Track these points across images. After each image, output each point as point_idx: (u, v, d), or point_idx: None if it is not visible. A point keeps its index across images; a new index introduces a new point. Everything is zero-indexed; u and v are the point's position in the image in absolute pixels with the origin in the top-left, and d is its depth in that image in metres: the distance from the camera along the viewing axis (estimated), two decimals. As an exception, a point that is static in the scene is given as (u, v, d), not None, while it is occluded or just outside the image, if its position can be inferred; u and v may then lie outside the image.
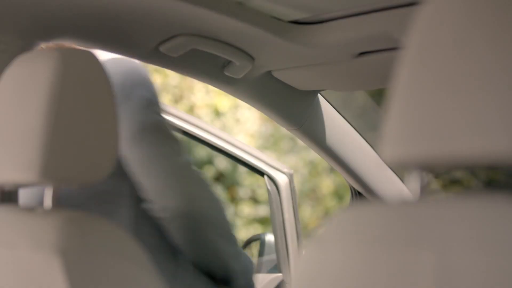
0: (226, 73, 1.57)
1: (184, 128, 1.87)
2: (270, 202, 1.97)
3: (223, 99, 4.85)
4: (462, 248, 0.62)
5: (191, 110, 4.59)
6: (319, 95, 1.84)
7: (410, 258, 0.65)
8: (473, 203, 0.64)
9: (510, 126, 0.62)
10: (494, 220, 0.62)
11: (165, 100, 4.13)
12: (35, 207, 1.06)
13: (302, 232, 1.99)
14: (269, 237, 2.03)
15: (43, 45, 1.36)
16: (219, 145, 1.95)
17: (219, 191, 4.64)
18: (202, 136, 1.91)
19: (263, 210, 4.81)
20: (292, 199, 1.98)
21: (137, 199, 1.30)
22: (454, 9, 0.68)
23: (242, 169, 4.60)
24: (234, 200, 4.91)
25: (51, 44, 1.38)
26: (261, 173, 1.98)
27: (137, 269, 1.00)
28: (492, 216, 0.62)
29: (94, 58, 1.05)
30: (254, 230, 4.80)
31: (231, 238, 1.38)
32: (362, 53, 1.51)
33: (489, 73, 0.63)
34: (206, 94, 4.84)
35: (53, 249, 0.94)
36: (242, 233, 4.76)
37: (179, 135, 1.37)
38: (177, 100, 4.46)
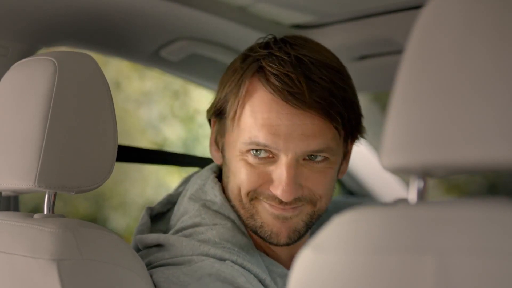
0: (227, 77, 1.57)
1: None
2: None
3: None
4: (462, 253, 0.62)
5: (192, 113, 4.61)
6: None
7: (410, 263, 0.65)
8: (473, 208, 0.64)
9: (509, 133, 0.61)
10: (494, 225, 0.62)
11: (165, 101, 4.16)
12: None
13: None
14: None
15: (43, 50, 1.36)
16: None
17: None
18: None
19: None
20: None
21: None
22: (454, 14, 0.68)
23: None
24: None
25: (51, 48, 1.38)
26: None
27: (133, 277, 1.00)
28: (492, 221, 0.62)
29: (91, 61, 1.05)
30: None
31: None
32: (363, 57, 1.51)
33: (489, 80, 0.63)
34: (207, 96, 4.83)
35: (49, 256, 0.94)
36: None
37: None
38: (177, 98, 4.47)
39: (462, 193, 3.23)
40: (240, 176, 1.13)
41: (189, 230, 1.14)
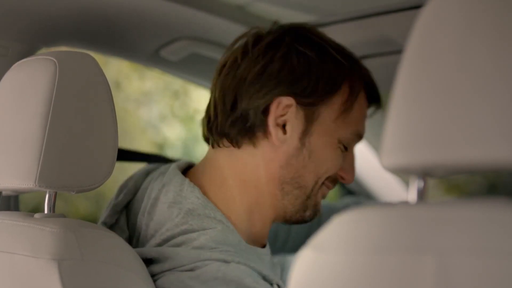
0: (227, 77, 1.57)
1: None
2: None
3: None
4: (462, 252, 0.62)
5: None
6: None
7: (411, 263, 0.65)
8: (474, 208, 0.64)
9: (509, 133, 0.61)
10: (494, 225, 0.62)
11: (164, 101, 4.16)
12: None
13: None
14: None
15: (43, 50, 1.36)
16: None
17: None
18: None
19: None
20: None
21: None
22: (454, 14, 0.68)
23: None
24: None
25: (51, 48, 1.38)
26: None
27: (134, 278, 1.00)
28: (492, 221, 0.62)
29: (92, 61, 1.05)
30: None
31: None
32: (363, 57, 1.51)
33: (489, 80, 0.63)
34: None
35: (50, 256, 0.94)
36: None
37: None
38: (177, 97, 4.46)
39: (462, 193, 3.23)
40: (332, 162, 1.20)
41: (180, 238, 1.11)
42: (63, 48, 1.38)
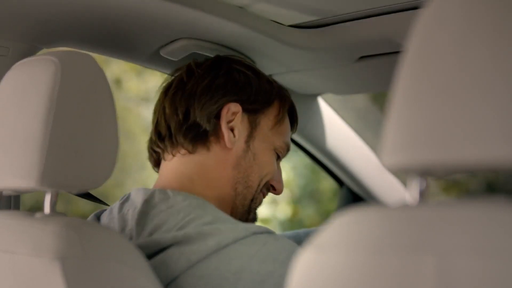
0: (227, 77, 1.57)
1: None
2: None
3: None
4: (463, 252, 0.62)
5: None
6: (319, 98, 1.84)
7: (411, 263, 0.65)
8: (474, 208, 0.64)
9: (509, 133, 0.62)
10: (495, 225, 0.62)
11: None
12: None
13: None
14: None
15: (43, 50, 1.36)
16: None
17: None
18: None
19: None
20: None
21: None
22: (455, 14, 0.68)
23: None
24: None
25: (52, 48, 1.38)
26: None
27: (137, 275, 1.00)
28: (493, 221, 0.62)
29: (93, 61, 1.05)
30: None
31: None
32: (362, 57, 1.51)
33: (489, 80, 0.63)
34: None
35: (53, 255, 0.94)
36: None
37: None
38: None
39: (460, 191, 3.23)
40: (270, 166, 1.35)
41: (209, 227, 1.14)
42: (63, 49, 1.38)
